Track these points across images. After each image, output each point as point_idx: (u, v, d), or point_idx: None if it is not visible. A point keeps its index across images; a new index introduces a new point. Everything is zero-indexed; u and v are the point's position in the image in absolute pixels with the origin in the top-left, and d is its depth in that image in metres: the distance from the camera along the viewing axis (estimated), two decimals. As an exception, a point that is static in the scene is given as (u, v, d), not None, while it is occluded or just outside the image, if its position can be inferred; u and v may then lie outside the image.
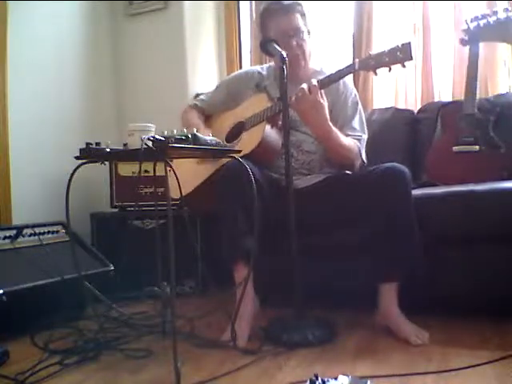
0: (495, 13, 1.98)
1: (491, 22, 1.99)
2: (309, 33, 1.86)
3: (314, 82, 1.61)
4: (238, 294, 1.55)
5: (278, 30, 1.81)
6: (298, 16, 1.82)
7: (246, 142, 1.73)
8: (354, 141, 1.78)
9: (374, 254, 1.59)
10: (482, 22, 2.01)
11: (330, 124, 1.66)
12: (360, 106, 1.88)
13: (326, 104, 1.62)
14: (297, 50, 1.82)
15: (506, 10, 1.96)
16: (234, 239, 1.57)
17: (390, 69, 1.54)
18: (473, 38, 2.03)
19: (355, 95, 1.90)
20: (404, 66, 1.52)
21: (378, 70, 1.56)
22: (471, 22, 2.03)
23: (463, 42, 2.06)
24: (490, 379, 1.19)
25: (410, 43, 1.49)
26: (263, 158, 1.71)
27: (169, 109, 2.49)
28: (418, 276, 1.58)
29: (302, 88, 1.60)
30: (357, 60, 1.59)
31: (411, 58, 1.49)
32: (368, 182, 1.65)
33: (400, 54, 1.50)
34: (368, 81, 2.60)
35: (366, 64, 1.57)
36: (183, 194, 1.56)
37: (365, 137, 1.84)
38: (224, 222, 1.60)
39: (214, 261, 1.68)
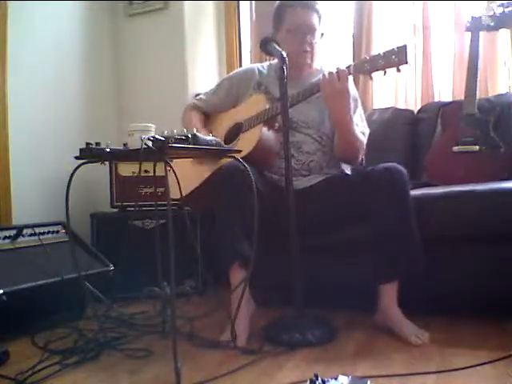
0: None
1: None
2: (321, 36, 1.86)
3: (343, 67, 1.58)
4: (232, 297, 1.56)
5: (294, 22, 1.80)
6: (316, 16, 1.82)
7: (243, 145, 1.72)
8: (361, 134, 1.77)
9: (374, 254, 1.60)
10: (507, 9, 2.05)
11: (351, 113, 1.66)
12: (359, 103, 1.87)
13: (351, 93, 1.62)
14: (307, 47, 1.81)
15: None
16: (229, 241, 1.56)
17: (385, 72, 1.51)
18: (499, 23, 2.06)
19: (354, 92, 1.89)
20: (399, 71, 1.49)
21: (373, 74, 1.54)
22: (497, 7, 2.06)
23: (489, 28, 2.08)
24: (490, 379, 1.19)
25: (405, 46, 1.46)
26: (261, 160, 1.70)
27: (169, 109, 2.49)
28: (417, 274, 1.57)
29: (331, 73, 1.57)
30: (352, 64, 1.58)
31: (406, 62, 1.46)
32: (366, 182, 1.65)
33: (395, 58, 1.47)
34: (368, 81, 2.59)
35: (361, 68, 1.55)
36: (183, 194, 1.56)
37: (367, 131, 1.83)
38: (220, 223, 1.60)
39: (214, 262, 1.68)
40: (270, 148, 1.72)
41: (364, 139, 1.78)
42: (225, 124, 1.92)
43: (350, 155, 1.78)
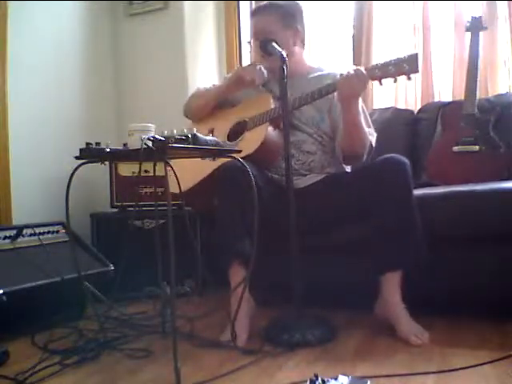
0: None
1: None
2: (296, 33, 1.83)
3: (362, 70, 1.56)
4: (232, 296, 1.56)
5: (251, 31, 1.85)
6: (268, 18, 1.79)
7: (249, 143, 1.73)
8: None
9: (375, 244, 1.57)
10: None
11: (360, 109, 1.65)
12: (362, 103, 1.85)
13: None
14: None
15: None
16: (230, 240, 1.56)
17: (396, 80, 1.52)
18: None
19: None
20: (409, 79, 1.50)
21: (383, 80, 1.53)
22: None
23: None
24: (490, 379, 1.19)
25: (416, 54, 1.47)
26: (265, 158, 1.71)
27: (169, 109, 2.50)
28: (421, 267, 1.56)
29: (352, 75, 1.54)
30: (363, 68, 1.57)
31: (417, 71, 1.47)
32: (367, 174, 1.64)
33: (406, 66, 1.47)
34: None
35: (372, 74, 1.55)
36: (183, 189, 1.56)
37: (372, 131, 1.78)
38: (220, 222, 1.60)
39: (214, 261, 1.68)
40: (276, 147, 1.72)
41: (371, 138, 1.74)
42: (229, 120, 1.92)
43: (358, 152, 1.72)
